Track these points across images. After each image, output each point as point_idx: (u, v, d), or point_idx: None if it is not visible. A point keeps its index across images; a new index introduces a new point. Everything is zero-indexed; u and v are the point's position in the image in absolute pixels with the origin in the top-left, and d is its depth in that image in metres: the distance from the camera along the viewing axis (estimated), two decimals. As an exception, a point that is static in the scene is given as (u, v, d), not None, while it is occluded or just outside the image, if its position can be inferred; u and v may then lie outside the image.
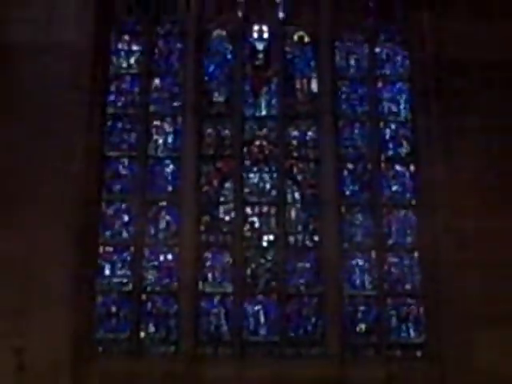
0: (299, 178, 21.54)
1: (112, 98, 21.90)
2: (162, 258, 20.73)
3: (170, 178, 21.38)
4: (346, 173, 21.53)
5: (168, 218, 21.04)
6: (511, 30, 21.56)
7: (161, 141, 21.65)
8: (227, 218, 21.09)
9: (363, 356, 20.11)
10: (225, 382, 18.81)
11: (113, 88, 22.00)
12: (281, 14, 22.45)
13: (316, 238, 20.94)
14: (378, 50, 22.45)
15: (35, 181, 19.80)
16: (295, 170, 21.58)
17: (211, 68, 22.27)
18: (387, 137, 21.90)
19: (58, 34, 21.24)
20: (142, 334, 20.10)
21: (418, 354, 20.17)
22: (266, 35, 22.42)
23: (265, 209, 21.23)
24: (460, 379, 18.88)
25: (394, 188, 21.52)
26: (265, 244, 20.94)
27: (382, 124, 21.93)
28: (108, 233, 20.87)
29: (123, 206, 21.11)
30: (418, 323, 20.42)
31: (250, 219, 21.13)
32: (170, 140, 21.67)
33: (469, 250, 19.72)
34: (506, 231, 20.05)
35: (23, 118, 20.47)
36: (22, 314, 18.39)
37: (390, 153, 21.74)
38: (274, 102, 21.94)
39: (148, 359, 19.70)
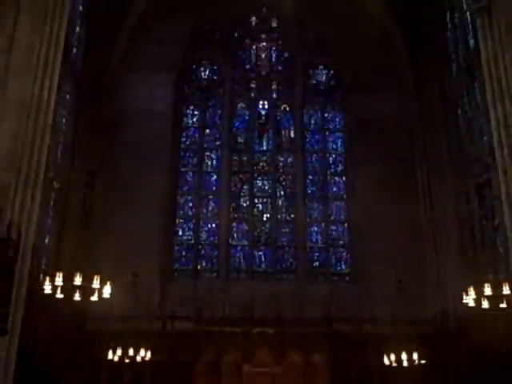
0: (283, 183, 21.96)
1: (183, 140, 22.11)
2: (209, 226, 21.29)
3: (214, 183, 21.78)
4: (308, 180, 21.90)
5: (213, 204, 21.49)
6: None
7: (209, 163, 22.03)
8: (244, 205, 21.57)
9: (317, 280, 20.52)
10: (242, 294, 18.70)
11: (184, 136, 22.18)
12: (274, 95, 22.83)
13: (292, 216, 21.44)
14: (326, 114, 22.67)
15: (140, 189, 19.60)
16: (281, 178, 22.01)
17: (237, 124, 22.56)
18: (331, 161, 22.21)
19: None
20: (199, 267, 20.72)
21: (347, 278, 20.69)
22: (266, 106, 22.70)
23: (264, 200, 21.73)
24: (371, 294, 18.71)
25: (335, 189, 21.82)
26: (264, 219, 21.44)
27: (327, 154, 22.20)
28: (181, 212, 21.32)
29: (189, 197, 21.55)
30: (346, 262, 20.90)
31: (257, 205, 21.62)
32: (214, 162, 22.04)
33: (377, 223, 19.67)
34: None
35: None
36: (133, 257, 18.20)
37: (333, 170, 22.04)
38: (270, 143, 22.32)
39: (202, 281, 20.14)
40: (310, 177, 22.10)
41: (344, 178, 21.96)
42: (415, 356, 16.23)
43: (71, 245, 17.53)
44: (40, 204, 12.95)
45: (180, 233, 21.20)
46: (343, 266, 21.04)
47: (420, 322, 17.96)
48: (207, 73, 23.00)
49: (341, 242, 21.27)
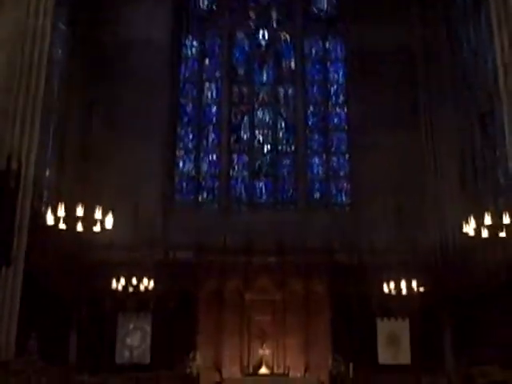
0: (284, 114, 21.52)
1: (182, 71, 21.58)
2: (210, 157, 21.22)
3: (214, 114, 21.42)
4: (309, 111, 21.58)
5: (213, 136, 21.26)
6: None
7: (209, 94, 21.54)
8: (245, 137, 21.37)
9: (318, 209, 20.57)
10: (243, 224, 18.93)
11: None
12: (274, 24, 22.16)
13: (293, 147, 21.36)
14: (327, 44, 22.14)
15: (139, 120, 19.24)
16: (281, 110, 21.53)
17: (237, 55, 21.91)
18: (332, 91, 21.66)
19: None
20: (200, 198, 20.85)
21: (347, 208, 20.81)
22: (266, 36, 21.95)
23: (265, 131, 21.43)
24: (371, 224, 18.80)
25: (335, 120, 21.53)
26: (265, 150, 21.41)
27: (328, 85, 21.73)
28: (181, 144, 21.19)
29: (189, 129, 21.26)
30: (346, 193, 20.98)
31: (257, 137, 21.41)
32: (214, 94, 21.54)
33: (378, 153, 19.26)
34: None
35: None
36: (134, 189, 18.11)
37: (334, 100, 21.54)
38: (270, 73, 21.70)
39: (203, 212, 20.35)
40: (311, 108, 21.87)
41: (345, 109, 21.73)
42: (414, 284, 16.44)
43: (71, 177, 17.50)
44: (39, 136, 12.84)
45: (181, 164, 21.20)
46: (344, 197, 21.13)
47: (420, 251, 18.14)
48: (206, 2, 22.45)
49: (341, 173, 21.28)
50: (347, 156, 21.38)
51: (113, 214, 12.53)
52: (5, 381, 5.01)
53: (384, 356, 17.75)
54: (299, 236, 18.61)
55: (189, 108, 21.74)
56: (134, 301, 17.04)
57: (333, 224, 19.45)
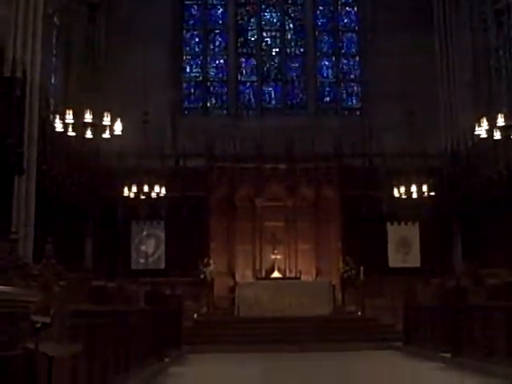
0: (292, 15, 20.89)
1: None
2: (217, 62, 20.62)
3: (220, 16, 20.72)
4: (318, 11, 20.81)
5: (220, 39, 20.69)
6: None
7: None
8: (252, 39, 20.74)
9: (328, 114, 20.39)
10: (253, 130, 18.58)
11: None
12: None
13: (302, 49, 20.71)
14: None
15: (144, 24, 18.49)
16: (290, 10, 20.95)
17: None
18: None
19: None
20: (208, 104, 20.49)
21: (358, 113, 20.62)
22: None
23: (273, 33, 20.81)
24: (382, 128, 18.66)
25: (346, 21, 20.81)
26: (273, 53, 20.77)
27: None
28: (188, 48, 20.60)
29: (195, 33, 20.68)
30: (357, 96, 20.66)
31: (265, 39, 20.79)
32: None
33: (389, 56, 18.76)
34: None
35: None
36: (141, 95, 17.29)
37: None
38: None
39: (212, 118, 20.11)
40: (320, 7, 21.09)
41: (355, 9, 20.99)
42: (425, 188, 16.38)
43: (78, 84, 17.08)
44: (43, 42, 12.53)
45: (187, 69, 20.70)
46: (354, 101, 20.81)
47: (431, 154, 18.05)
48: None
49: (352, 76, 20.85)
50: (358, 59, 20.85)
51: (121, 121, 12.33)
52: (25, 284, 5.08)
53: (394, 259, 17.92)
54: (309, 141, 18.42)
55: (194, 10, 20.98)
56: (147, 208, 17.14)
57: (343, 129, 19.25)
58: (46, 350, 4.72)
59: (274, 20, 21.05)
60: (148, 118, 17.29)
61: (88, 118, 11.92)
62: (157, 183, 16.36)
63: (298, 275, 17.72)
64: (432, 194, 16.57)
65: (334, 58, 20.91)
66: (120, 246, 17.50)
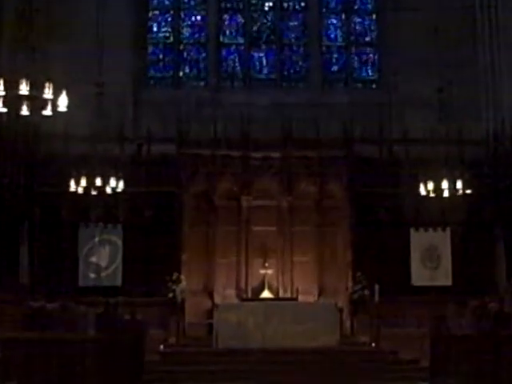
0: None
1: None
2: (193, 19, 20.72)
3: None
4: None
5: None
6: None
7: None
8: None
9: (335, 87, 20.62)
10: (238, 108, 18.79)
11: None
12: None
13: (303, 4, 20.80)
14: None
15: None
16: None
17: None
18: None
19: None
20: (181, 74, 20.55)
21: (374, 86, 20.74)
22: None
23: None
24: (405, 107, 19.11)
25: None
26: (266, 8, 20.88)
27: None
28: (155, 1, 20.70)
29: None
30: (373, 65, 20.76)
31: None
32: None
33: (414, 12, 18.99)
34: None
35: None
36: (95, 62, 17.43)
37: None
38: None
39: (186, 92, 20.04)
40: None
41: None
42: (459, 185, 16.44)
43: (10, 46, 17.02)
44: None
45: (155, 28, 20.79)
46: (369, 71, 20.94)
47: (467, 142, 18.15)
48: None
49: (367, 39, 20.98)
50: (374, 16, 20.96)
51: (68, 94, 12.29)
52: None
53: (419, 276, 18.02)
54: (311, 123, 18.54)
55: (163, -50, 20.96)
56: (100, 208, 17.17)
57: (355, 107, 19.38)
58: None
59: (267, -36, 21.00)
60: (103, 91, 17.34)
61: (24, 89, 11.82)
62: (113, 175, 16.36)
63: (295, 295, 17.76)
64: (468, 192, 16.60)
65: (343, 16, 21.02)
66: (64, 256, 17.48)
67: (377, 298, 16.56)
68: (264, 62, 20.86)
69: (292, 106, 19.20)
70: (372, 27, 20.93)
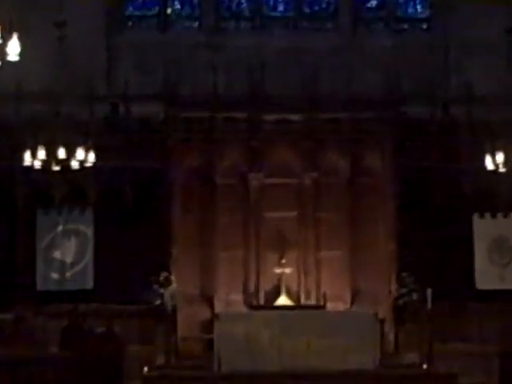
0: None
1: None
2: None
3: None
4: None
5: None
6: None
7: None
8: None
9: (373, 28, 20.68)
10: (245, 51, 19.09)
11: None
12: None
13: None
14: None
15: None
16: None
17: None
18: None
19: None
20: (168, 11, 20.59)
21: (424, 26, 20.76)
22: None
23: None
24: (465, 54, 19.26)
25: None
26: None
27: None
28: None
29: None
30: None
31: None
32: None
33: None
34: None
35: None
36: None
37: None
38: None
39: (175, 33, 20.23)
40: None
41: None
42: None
43: None
44: None
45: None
46: (418, 7, 21.00)
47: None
48: None
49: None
50: None
51: (19, 39, 12.22)
52: None
53: (485, 276, 18.06)
54: (342, 75, 18.63)
55: None
56: (63, 188, 17.25)
57: (400, 54, 19.50)
58: None
59: None
60: (65, 34, 17.17)
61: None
62: (81, 145, 16.30)
63: (322, 302, 17.85)
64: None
65: None
66: (18, 250, 17.57)
67: (429, 304, 16.56)
68: (279, -5, 20.91)
69: (316, 53, 19.35)
70: None
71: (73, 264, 17.92)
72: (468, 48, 19.25)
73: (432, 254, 17.78)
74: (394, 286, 17.78)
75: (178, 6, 20.88)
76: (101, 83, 18.77)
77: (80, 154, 16.25)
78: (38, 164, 16.13)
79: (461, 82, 18.80)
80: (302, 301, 18.14)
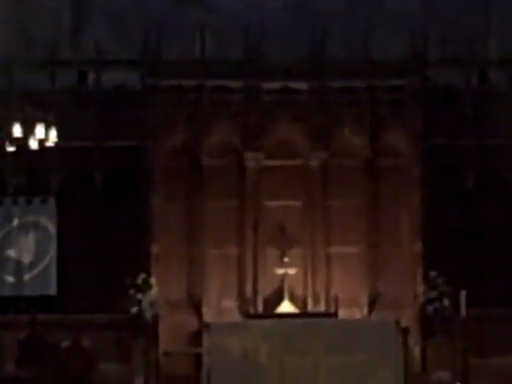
0: None
1: None
2: None
3: None
4: None
5: None
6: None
7: None
8: None
9: None
10: (239, 8, 19.24)
11: None
12: None
13: None
14: None
15: None
16: None
17: None
18: None
19: None
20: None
21: None
22: None
23: None
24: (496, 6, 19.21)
25: None
26: None
27: None
28: None
29: None
30: None
31: None
32: None
33: None
34: None
35: None
36: None
37: None
38: None
39: None
40: None
41: None
42: None
43: None
44: None
45: None
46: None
47: None
48: None
49: None
50: None
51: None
52: None
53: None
54: (356, 35, 18.62)
55: None
56: (20, 172, 17.47)
57: (427, 9, 19.58)
58: None
59: None
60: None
61: None
62: (40, 121, 16.12)
63: (333, 309, 17.82)
64: None
65: None
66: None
67: (463, 311, 16.50)
68: None
69: (326, 8, 19.38)
70: None
71: (32, 265, 17.96)
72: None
73: (466, 251, 17.88)
74: (420, 289, 17.69)
75: None
76: (64, 46, 18.88)
77: (39, 131, 16.12)
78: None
79: (501, 43, 18.89)
80: (309, 307, 18.16)
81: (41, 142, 16.18)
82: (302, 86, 18.51)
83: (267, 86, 18.43)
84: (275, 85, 18.47)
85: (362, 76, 18.49)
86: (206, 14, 19.38)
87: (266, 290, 18.15)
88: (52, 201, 17.97)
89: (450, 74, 18.74)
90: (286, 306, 17.80)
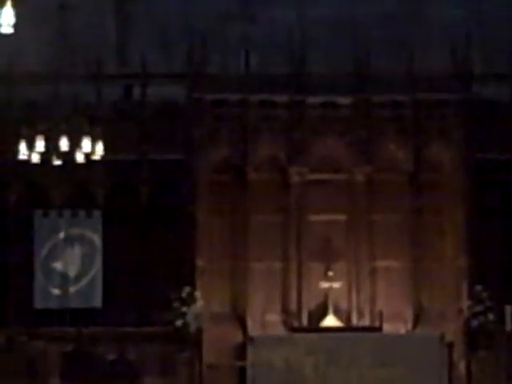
0: None
1: None
2: None
3: None
4: None
5: None
6: None
7: None
8: None
9: None
10: (283, 22, 19.02)
11: None
12: None
13: None
14: None
15: None
16: None
17: None
18: None
19: None
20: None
21: None
22: None
23: None
24: None
25: None
26: None
27: None
28: None
29: None
30: None
31: None
32: None
33: None
34: None
35: None
36: None
37: None
38: None
39: (200, 0, 19.91)
40: None
41: None
42: None
43: None
44: None
45: None
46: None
47: None
48: None
49: None
50: None
51: (14, 6, 12.24)
52: None
53: None
54: (400, 48, 18.69)
55: None
56: (66, 185, 17.46)
57: (472, 20, 19.39)
58: None
59: None
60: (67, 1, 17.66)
61: None
62: (87, 134, 16.22)
63: (378, 323, 17.82)
64: None
65: None
66: (12, 260, 17.77)
67: (508, 326, 16.67)
68: None
69: (369, 21, 19.38)
70: None
71: (77, 277, 18.03)
72: None
73: (511, 264, 17.91)
74: (465, 304, 17.63)
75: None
76: (111, 61, 18.96)
77: (86, 145, 16.22)
78: (35, 157, 16.08)
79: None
80: (354, 321, 18.15)
81: (87, 155, 16.28)
82: (345, 100, 18.49)
83: (311, 100, 18.40)
84: (319, 99, 18.42)
85: (405, 90, 18.48)
86: (251, 27, 19.34)
87: (310, 303, 18.14)
88: (97, 214, 18.03)
89: (495, 87, 18.53)
90: (330, 320, 17.77)
